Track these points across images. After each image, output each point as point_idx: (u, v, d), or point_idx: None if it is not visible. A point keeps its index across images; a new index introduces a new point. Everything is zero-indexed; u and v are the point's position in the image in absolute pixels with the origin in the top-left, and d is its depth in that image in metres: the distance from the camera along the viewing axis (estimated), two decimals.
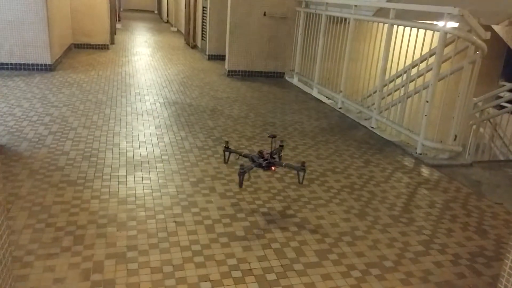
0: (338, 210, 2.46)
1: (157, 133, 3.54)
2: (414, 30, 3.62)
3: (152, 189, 2.54)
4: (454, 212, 2.57)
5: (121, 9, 16.42)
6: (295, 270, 1.88)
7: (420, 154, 3.46)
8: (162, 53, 7.83)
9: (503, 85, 5.42)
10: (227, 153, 2.85)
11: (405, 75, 4.05)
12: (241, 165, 2.41)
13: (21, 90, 4.56)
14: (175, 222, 2.19)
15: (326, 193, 2.67)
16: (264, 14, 6.04)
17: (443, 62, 3.45)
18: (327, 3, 5.11)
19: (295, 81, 6.10)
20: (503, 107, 5.13)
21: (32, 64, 5.50)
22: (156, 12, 19.36)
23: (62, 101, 4.25)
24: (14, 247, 1.88)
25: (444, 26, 3.22)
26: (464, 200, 2.75)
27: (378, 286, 1.83)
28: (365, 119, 4.36)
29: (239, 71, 6.25)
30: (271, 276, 1.83)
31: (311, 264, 1.93)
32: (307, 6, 5.74)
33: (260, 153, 2.54)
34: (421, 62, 3.67)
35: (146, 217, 2.21)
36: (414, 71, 3.86)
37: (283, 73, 6.41)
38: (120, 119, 3.82)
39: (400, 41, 3.79)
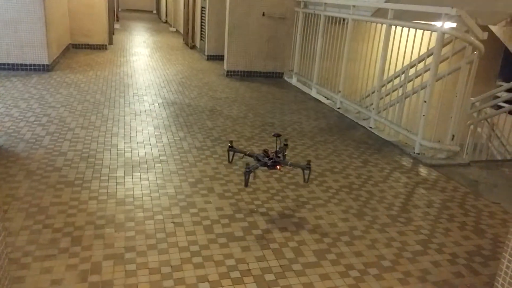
0: (336, 210, 2.46)
1: (155, 133, 3.54)
2: (412, 30, 3.63)
3: (150, 189, 2.54)
4: (452, 211, 2.57)
5: (120, 9, 16.40)
6: (293, 270, 1.88)
7: (418, 154, 3.47)
8: (160, 53, 7.83)
9: (501, 85, 5.44)
10: (231, 152, 2.83)
11: (403, 75, 4.06)
12: (247, 165, 2.41)
13: (18, 90, 4.55)
14: (174, 222, 2.19)
15: (325, 193, 2.67)
16: (263, 15, 6.04)
17: (440, 62, 3.46)
18: (325, 3, 5.11)
19: (294, 81, 6.10)
20: (500, 107, 5.15)
21: (30, 65, 5.48)
22: (154, 12, 19.34)
23: (60, 102, 4.24)
24: (11, 249, 1.87)
25: (442, 26, 3.23)
26: (461, 199, 2.76)
27: (376, 286, 1.83)
28: (364, 119, 4.36)
29: (238, 71, 6.25)
30: (269, 277, 1.83)
31: (310, 264, 1.94)
32: (305, 6, 5.74)
33: (265, 152, 2.52)
34: (419, 62, 3.67)
35: (144, 218, 2.21)
36: (412, 71, 3.87)
37: (282, 73, 6.42)
38: (118, 120, 3.82)
39: (398, 42, 3.80)
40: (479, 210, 2.62)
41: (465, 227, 2.40)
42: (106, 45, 7.82)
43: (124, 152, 3.07)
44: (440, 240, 2.24)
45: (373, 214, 2.46)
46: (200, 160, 3.03)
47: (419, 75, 3.71)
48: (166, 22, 14.87)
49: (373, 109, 4.12)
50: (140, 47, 8.44)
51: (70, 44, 7.49)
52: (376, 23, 4.15)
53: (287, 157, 2.82)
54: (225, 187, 2.64)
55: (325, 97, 5.24)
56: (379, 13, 4.51)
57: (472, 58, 3.29)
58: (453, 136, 3.46)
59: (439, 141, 3.52)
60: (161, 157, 3.03)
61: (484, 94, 5.03)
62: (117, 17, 12.71)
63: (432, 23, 3.49)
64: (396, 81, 4.31)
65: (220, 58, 7.18)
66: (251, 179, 2.65)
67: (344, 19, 4.66)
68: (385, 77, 4.11)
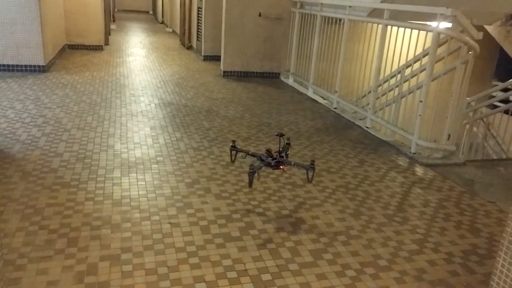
0: (333, 210, 2.47)
1: (152, 134, 3.53)
2: (408, 30, 3.64)
3: (147, 190, 2.53)
4: (448, 210, 2.59)
5: (116, 10, 16.35)
6: (290, 270, 1.89)
7: (414, 153, 3.48)
8: (157, 54, 7.81)
9: (496, 85, 5.47)
10: (234, 152, 2.80)
11: (399, 75, 4.08)
12: (251, 165, 2.39)
13: (14, 91, 4.53)
14: (170, 223, 2.19)
15: (321, 193, 2.67)
16: (260, 15, 6.05)
17: (436, 62, 3.47)
18: (321, 3, 5.13)
19: (290, 81, 6.11)
20: (496, 106, 5.18)
21: (25, 65, 5.46)
22: (151, 12, 19.30)
23: (56, 103, 4.23)
24: (7, 250, 1.87)
25: (437, 26, 3.25)
26: (457, 198, 2.77)
27: (372, 285, 1.84)
28: (360, 119, 4.37)
29: (234, 71, 6.25)
30: (266, 277, 1.83)
31: (306, 264, 1.94)
32: (302, 6, 5.75)
33: (268, 152, 2.50)
34: (415, 62, 3.69)
35: (141, 219, 2.21)
36: (408, 71, 3.88)
37: (279, 74, 6.42)
38: (115, 121, 3.81)
39: (394, 42, 3.81)
40: (475, 209, 2.64)
41: (461, 226, 2.41)
42: (102, 46, 7.80)
43: (121, 153, 3.07)
44: (436, 239, 2.25)
45: (370, 213, 2.47)
46: (197, 161, 3.03)
47: (415, 75, 3.73)
48: (162, 22, 14.85)
49: (370, 109, 4.14)
50: (136, 48, 8.42)
51: (66, 44, 7.46)
52: (372, 23, 4.16)
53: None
54: (222, 187, 2.64)
55: (322, 97, 5.25)
56: (375, 13, 4.52)
57: (467, 58, 3.31)
58: (449, 135, 3.48)
59: (435, 141, 3.53)
60: (158, 158, 3.03)
61: (480, 93, 5.06)
62: (113, 17, 12.68)
63: (428, 23, 3.50)
64: (392, 81, 4.32)
65: (216, 58, 7.17)
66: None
67: (340, 20, 4.67)
68: (381, 77, 4.13)
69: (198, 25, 7.98)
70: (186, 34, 8.96)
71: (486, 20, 5.74)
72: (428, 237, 2.26)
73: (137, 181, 2.64)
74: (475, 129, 5.28)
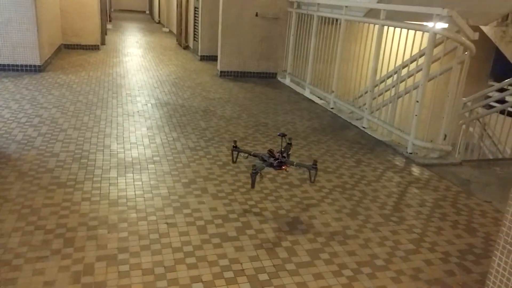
0: (330, 210, 2.47)
1: (148, 134, 3.52)
2: (404, 31, 3.66)
3: (143, 190, 2.53)
4: (444, 210, 2.60)
5: (112, 9, 16.31)
6: (287, 270, 1.89)
7: (411, 153, 3.49)
8: (153, 54, 7.80)
9: (492, 85, 5.50)
10: (235, 153, 2.78)
11: (395, 76, 4.09)
12: (253, 166, 2.38)
13: (10, 91, 4.51)
14: (167, 223, 2.18)
15: (318, 193, 2.68)
16: (256, 15, 6.05)
17: (432, 63, 3.49)
18: (318, 4, 5.13)
19: (287, 81, 6.11)
20: (492, 106, 5.21)
21: (21, 65, 5.43)
22: (147, 12, 19.26)
23: (52, 103, 4.21)
24: (3, 250, 1.86)
25: (434, 27, 3.26)
26: (453, 198, 2.78)
27: (369, 285, 1.84)
28: (357, 119, 4.38)
29: (231, 71, 6.25)
30: (263, 276, 1.83)
31: (303, 263, 1.94)
32: (298, 6, 5.76)
33: (270, 152, 2.49)
34: (411, 62, 3.70)
35: (137, 219, 2.20)
36: (404, 71, 3.90)
37: (276, 74, 6.43)
38: (111, 121, 3.80)
39: (391, 42, 3.82)
40: (471, 209, 2.65)
41: (457, 226, 2.42)
42: (98, 46, 7.77)
43: (117, 153, 3.06)
44: (433, 239, 2.26)
45: (366, 213, 2.47)
46: (193, 161, 3.03)
47: (411, 75, 3.74)
48: (159, 22, 14.82)
49: (366, 109, 4.15)
50: (133, 48, 8.40)
51: (62, 44, 7.43)
52: (369, 23, 4.18)
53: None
54: (218, 187, 2.64)
55: (319, 97, 5.25)
56: (372, 13, 4.53)
57: (463, 58, 3.33)
58: (445, 135, 3.49)
59: (431, 141, 3.55)
60: (154, 158, 3.02)
61: (476, 94, 5.09)
62: (109, 17, 12.64)
63: (424, 23, 3.52)
64: (389, 81, 4.34)
65: (213, 58, 7.17)
66: (245, 179, 2.65)
67: (337, 20, 4.68)
68: (377, 77, 4.14)
69: (194, 25, 7.98)
70: (183, 34, 8.95)
71: (482, 20, 5.77)
72: (425, 237, 2.27)
73: (133, 181, 2.63)
74: (471, 129, 5.31)
